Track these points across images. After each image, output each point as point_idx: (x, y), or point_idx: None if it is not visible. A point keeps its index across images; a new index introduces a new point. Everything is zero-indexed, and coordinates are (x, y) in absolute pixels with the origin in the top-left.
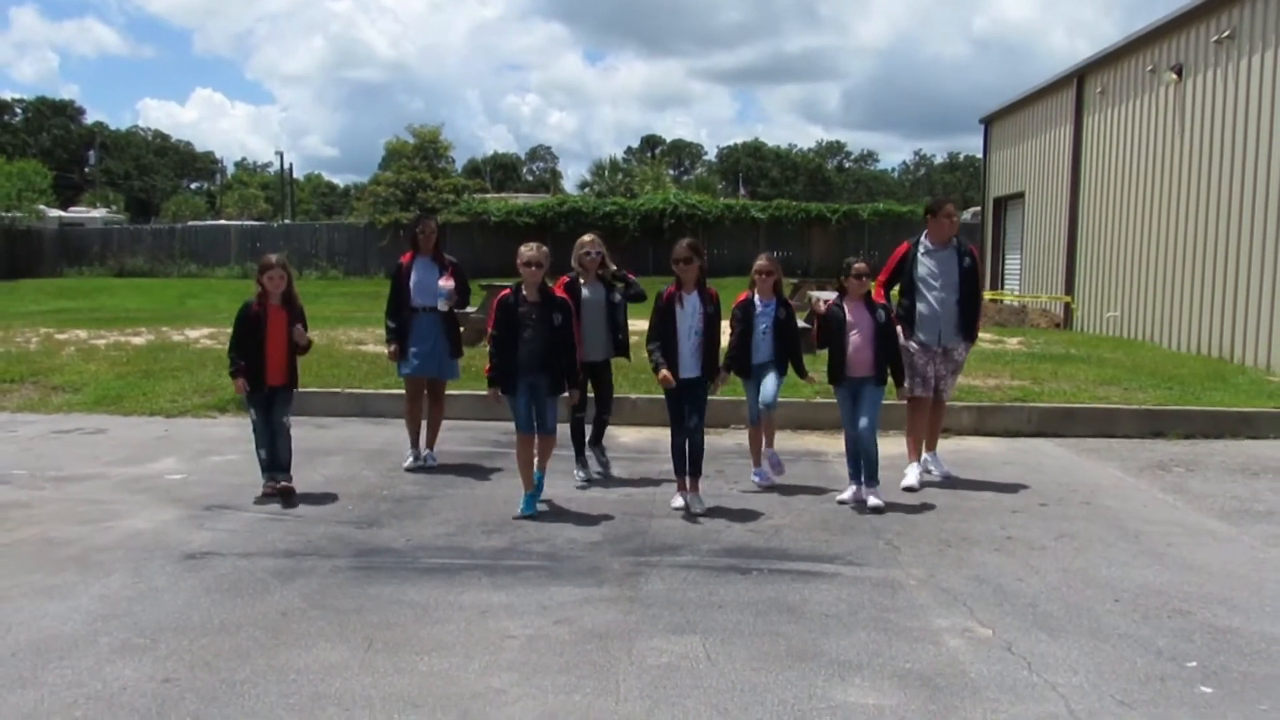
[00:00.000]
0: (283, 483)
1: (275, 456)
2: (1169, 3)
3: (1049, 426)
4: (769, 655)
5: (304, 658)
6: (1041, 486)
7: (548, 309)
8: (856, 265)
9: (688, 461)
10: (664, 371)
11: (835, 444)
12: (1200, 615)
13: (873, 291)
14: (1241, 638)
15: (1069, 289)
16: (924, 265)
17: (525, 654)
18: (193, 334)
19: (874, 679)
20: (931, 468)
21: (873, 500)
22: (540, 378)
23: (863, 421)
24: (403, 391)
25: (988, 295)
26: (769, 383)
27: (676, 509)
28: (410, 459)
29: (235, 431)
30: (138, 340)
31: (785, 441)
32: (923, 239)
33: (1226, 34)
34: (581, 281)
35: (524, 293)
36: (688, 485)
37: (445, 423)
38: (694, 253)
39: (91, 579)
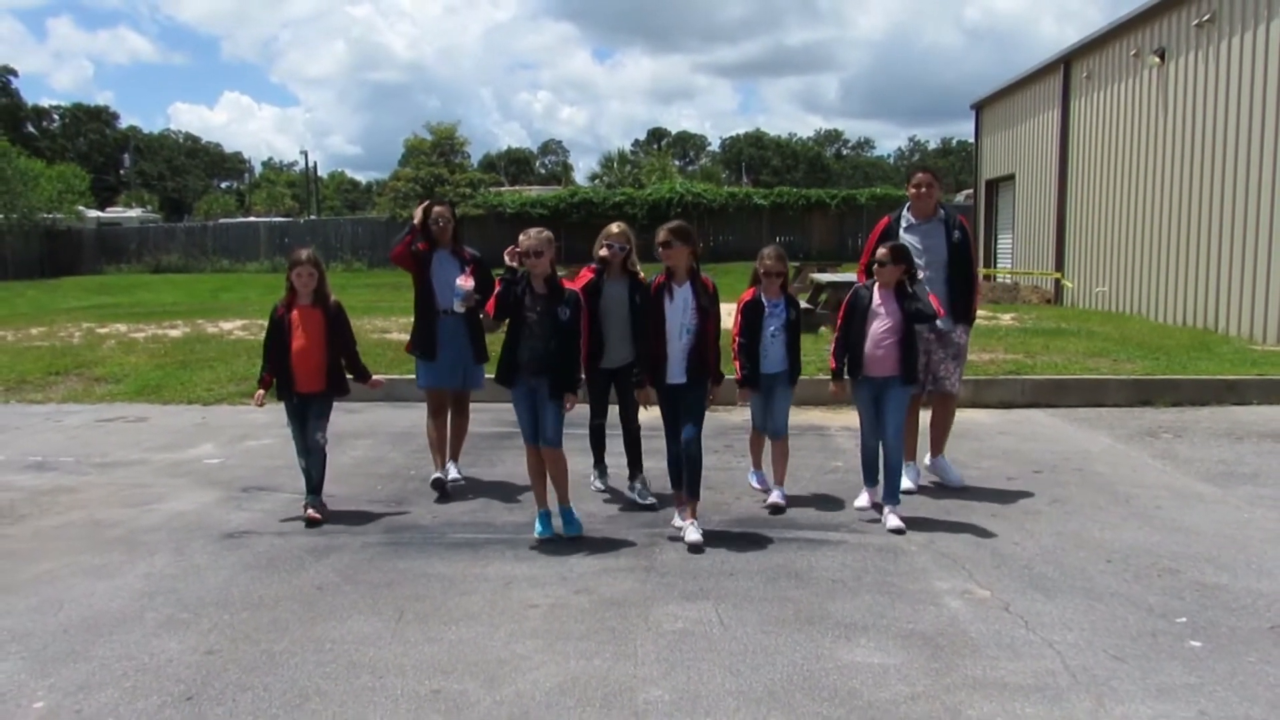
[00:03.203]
0: (309, 510)
1: (307, 475)
2: None
3: (1042, 397)
4: (779, 619)
5: (339, 629)
6: (1035, 455)
7: (553, 302)
8: (880, 252)
9: (684, 478)
10: (643, 391)
11: (837, 419)
12: (1189, 573)
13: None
14: (1229, 594)
15: (1059, 266)
16: (905, 242)
17: (548, 622)
18: (226, 326)
19: (879, 639)
20: (939, 474)
21: (893, 521)
22: (541, 380)
23: (890, 431)
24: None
25: (981, 272)
26: (780, 409)
27: (677, 528)
28: (436, 476)
29: (269, 417)
30: (174, 333)
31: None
32: (904, 213)
33: (1206, 18)
34: (605, 276)
35: (530, 283)
36: (684, 500)
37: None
38: (676, 236)
39: (137, 558)
